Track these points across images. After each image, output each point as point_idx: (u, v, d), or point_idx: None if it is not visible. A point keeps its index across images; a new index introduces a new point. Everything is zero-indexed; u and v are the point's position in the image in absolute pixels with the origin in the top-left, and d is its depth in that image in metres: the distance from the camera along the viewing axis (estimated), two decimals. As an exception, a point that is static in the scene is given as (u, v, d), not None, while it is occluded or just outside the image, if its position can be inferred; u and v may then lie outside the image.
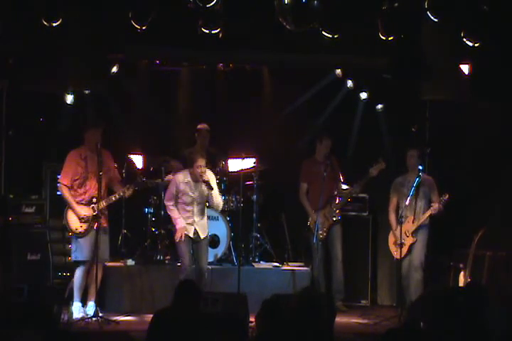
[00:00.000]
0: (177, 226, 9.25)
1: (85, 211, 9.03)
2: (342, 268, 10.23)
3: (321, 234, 10.08)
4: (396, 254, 9.70)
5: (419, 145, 10.05)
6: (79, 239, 9.06)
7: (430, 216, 9.66)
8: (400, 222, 9.54)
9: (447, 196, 9.55)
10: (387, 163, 9.94)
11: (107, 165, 9.21)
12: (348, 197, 10.28)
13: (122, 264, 10.12)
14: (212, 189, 9.25)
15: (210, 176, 9.32)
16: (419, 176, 9.59)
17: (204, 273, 9.27)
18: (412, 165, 9.74)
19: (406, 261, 9.67)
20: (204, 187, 9.26)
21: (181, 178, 9.30)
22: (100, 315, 8.82)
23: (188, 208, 9.32)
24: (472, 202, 10.28)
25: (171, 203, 9.31)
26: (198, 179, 9.22)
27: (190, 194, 9.27)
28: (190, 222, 9.29)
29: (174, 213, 9.31)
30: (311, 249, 10.11)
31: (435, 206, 9.60)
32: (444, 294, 6.48)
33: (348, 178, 10.45)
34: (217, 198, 9.39)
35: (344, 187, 10.27)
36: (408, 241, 9.65)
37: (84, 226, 9.02)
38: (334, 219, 10.16)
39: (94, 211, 9.01)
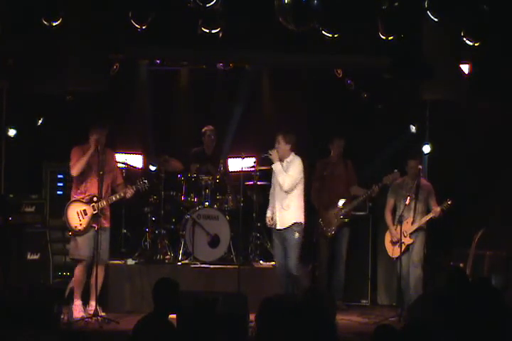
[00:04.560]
0: None
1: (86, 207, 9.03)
2: (344, 268, 10.27)
3: (329, 232, 10.13)
4: (392, 253, 9.74)
5: (417, 156, 10.02)
6: (77, 237, 9.04)
7: (430, 219, 9.68)
8: (399, 222, 9.55)
9: (450, 202, 9.55)
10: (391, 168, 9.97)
11: (110, 165, 9.22)
12: (357, 203, 10.30)
13: (122, 263, 10.13)
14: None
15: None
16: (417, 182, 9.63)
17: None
18: (411, 175, 9.74)
19: (404, 261, 9.67)
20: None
21: None
22: (100, 314, 8.83)
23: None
24: (472, 201, 10.28)
25: None
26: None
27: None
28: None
29: None
30: (315, 247, 10.17)
31: (436, 209, 9.60)
32: (444, 294, 6.48)
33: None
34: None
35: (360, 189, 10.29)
36: (406, 241, 9.64)
37: (84, 223, 9.01)
38: (345, 220, 10.20)
39: (95, 210, 9.01)
